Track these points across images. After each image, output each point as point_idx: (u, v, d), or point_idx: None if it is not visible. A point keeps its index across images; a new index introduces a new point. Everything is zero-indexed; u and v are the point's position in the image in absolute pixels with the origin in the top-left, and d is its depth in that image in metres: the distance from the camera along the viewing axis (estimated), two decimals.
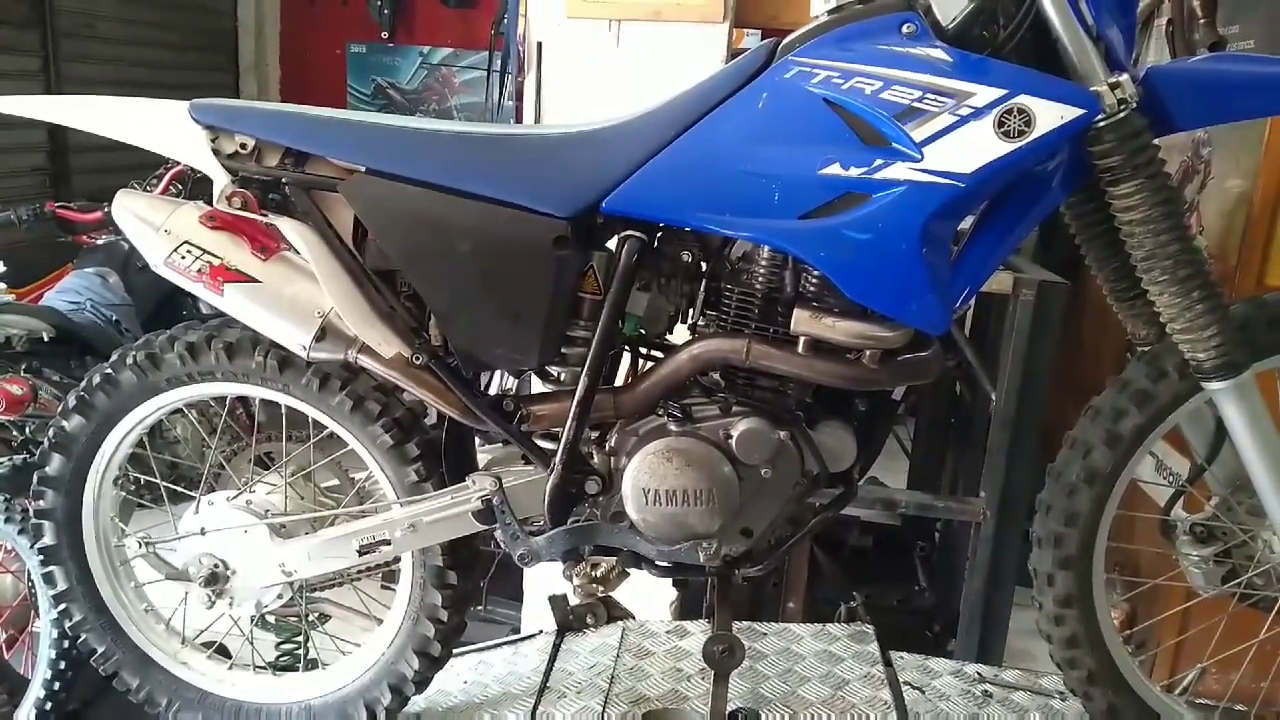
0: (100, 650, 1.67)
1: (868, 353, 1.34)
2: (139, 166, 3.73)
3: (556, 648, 1.85)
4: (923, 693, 1.72)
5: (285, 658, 2.95)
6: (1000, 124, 1.19)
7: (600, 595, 1.43)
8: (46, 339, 2.88)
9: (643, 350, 1.50)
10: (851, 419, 1.45)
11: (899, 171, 1.23)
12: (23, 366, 2.82)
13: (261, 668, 1.72)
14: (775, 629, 1.89)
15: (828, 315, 1.32)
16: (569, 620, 1.91)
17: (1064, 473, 1.47)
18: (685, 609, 2.48)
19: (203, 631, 1.69)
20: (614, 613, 1.92)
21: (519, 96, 2.83)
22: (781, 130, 1.28)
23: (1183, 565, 1.56)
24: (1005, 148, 1.19)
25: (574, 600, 1.92)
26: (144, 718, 1.70)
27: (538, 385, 1.53)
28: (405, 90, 6.52)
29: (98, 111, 1.44)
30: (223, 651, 1.76)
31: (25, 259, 3.90)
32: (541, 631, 1.93)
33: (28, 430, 3.11)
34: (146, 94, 1.50)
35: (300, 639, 2.83)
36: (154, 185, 3.49)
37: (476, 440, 1.58)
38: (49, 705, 2.45)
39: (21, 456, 2.88)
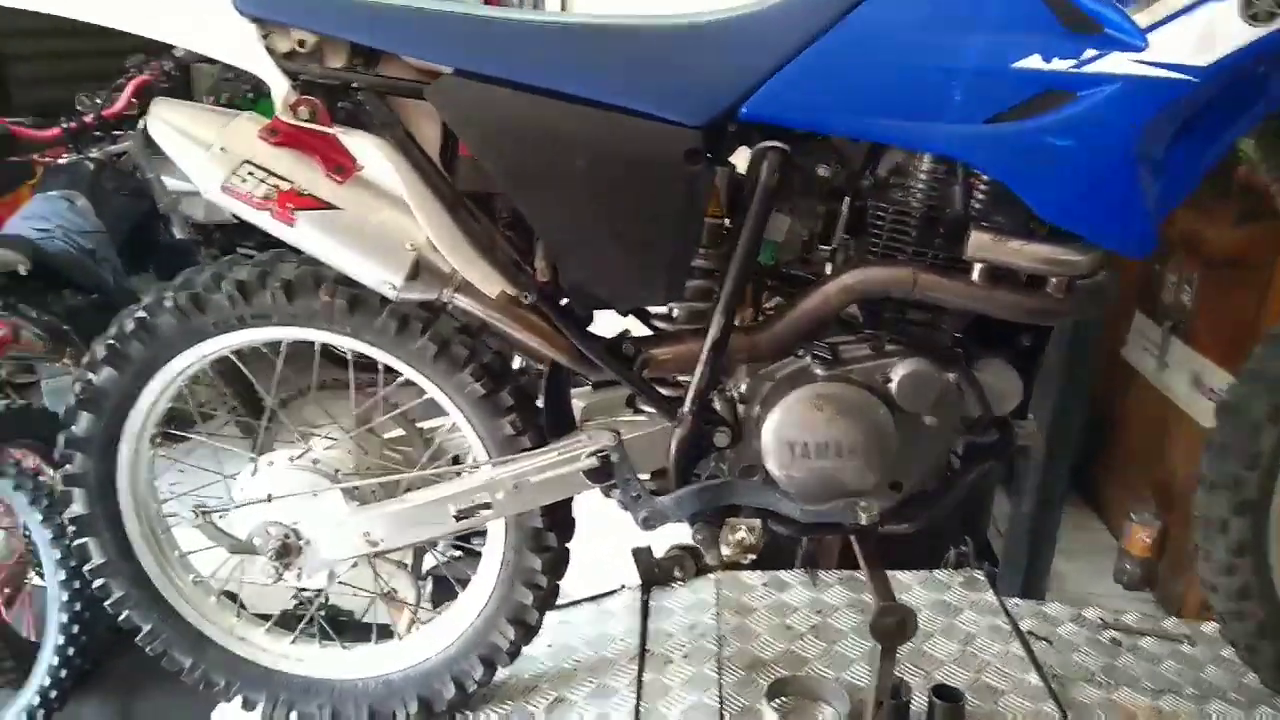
0: (147, 629, 1.48)
1: (1053, 280, 1.16)
2: (87, 77, 3.37)
3: (646, 605, 1.70)
4: (1050, 644, 1.61)
5: (302, 606, 2.78)
6: (1248, 5, 0.99)
7: (748, 561, 1.27)
8: (24, 272, 2.58)
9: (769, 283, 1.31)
10: (1012, 355, 1.28)
11: (1116, 64, 1.03)
12: None
13: (330, 639, 1.54)
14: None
15: (1013, 238, 1.14)
16: (655, 574, 1.75)
17: (1243, 409, 1.32)
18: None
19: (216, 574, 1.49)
20: (701, 564, 1.76)
21: None
22: (966, 15, 1.07)
23: None
24: (1251, 34, 1.00)
25: (659, 553, 1.76)
26: (161, 671, 1.51)
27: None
28: None
29: (116, 2, 1.17)
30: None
31: None
32: (624, 587, 1.77)
33: (3, 374, 2.86)
34: None
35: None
36: (115, 99, 3.13)
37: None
38: (64, 672, 2.27)
39: (4, 402, 2.63)
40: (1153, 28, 1.02)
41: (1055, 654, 1.57)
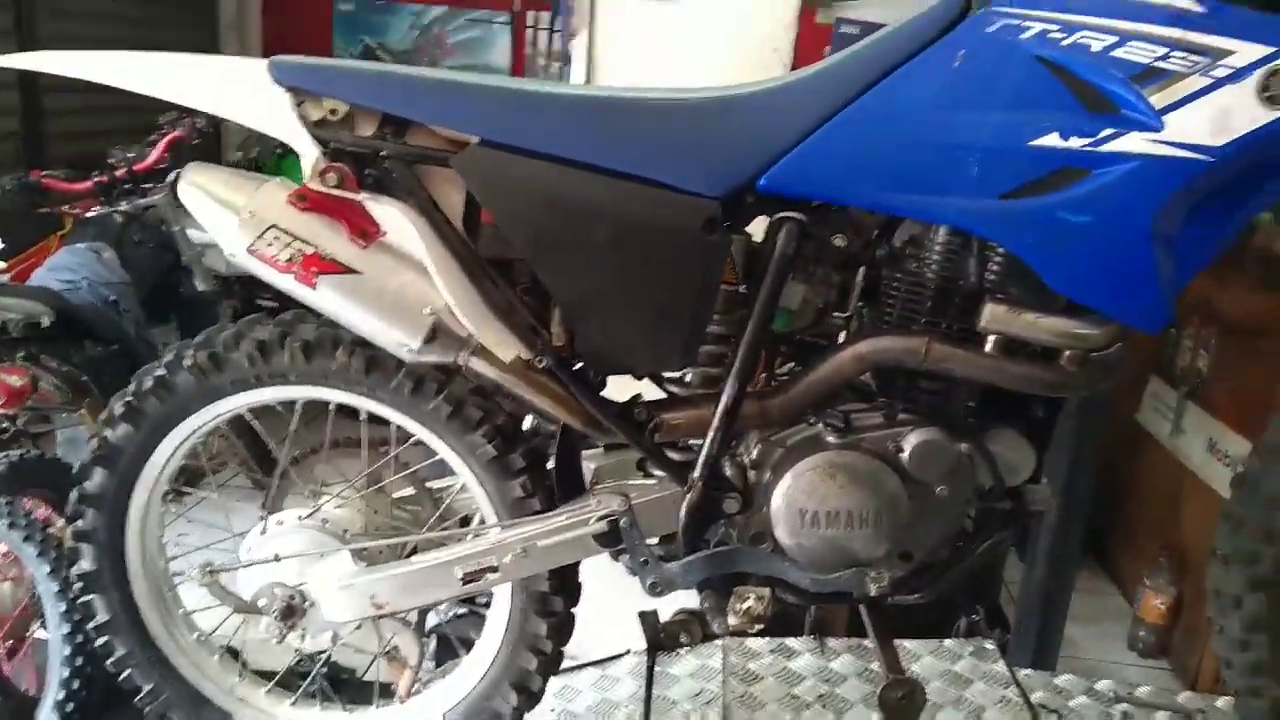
0: (147, 689, 1.46)
1: (1067, 353, 1.17)
2: (122, 132, 3.44)
3: (650, 670, 1.68)
4: (1061, 716, 1.58)
5: (304, 662, 2.75)
6: (1265, 88, 1.01)
7: (754, 631, 1.26)
8: (47, 323, 2.61)
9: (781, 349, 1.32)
10: (1024, 426, 1.28)
11: (1132, 143, 1.04)
12: (20, 354, 2.56)
13: (330, 701, 1.52)
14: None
15: (1028, 310, 1.14)
16: (660, 639, 1.73)
17: (1262, 483, 1.31)
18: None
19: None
20: (708, 630, 1.74)
21: (566, 59, 2.60)
22: (983, 94, 1.10)
23: None
24: (1268, 116, 1.02)
25: (664, 617, 1.74)
26: None
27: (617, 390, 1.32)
28: (395, 52, 6.20)
29: (158, 71, 1.21)
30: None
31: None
32: (629, 651, 1.75)
33: (18, 423, 2.86)
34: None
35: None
36: (147, 153, 3.17)
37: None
38: None
39: (19, 452, 2.63)
40: (1169, 109, 1.03)
41: None
